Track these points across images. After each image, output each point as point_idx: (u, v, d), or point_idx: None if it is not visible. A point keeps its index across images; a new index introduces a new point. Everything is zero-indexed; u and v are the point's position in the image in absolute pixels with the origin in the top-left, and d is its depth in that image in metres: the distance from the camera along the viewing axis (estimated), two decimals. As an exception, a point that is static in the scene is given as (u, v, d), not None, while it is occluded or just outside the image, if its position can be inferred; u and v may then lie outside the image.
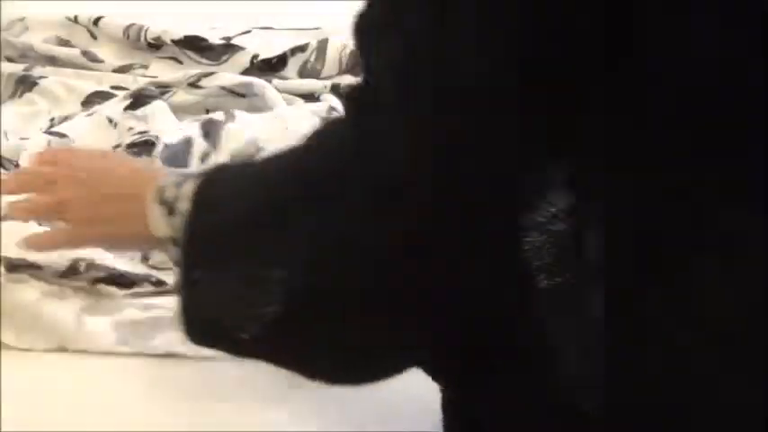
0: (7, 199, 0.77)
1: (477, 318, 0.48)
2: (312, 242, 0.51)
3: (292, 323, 0.53)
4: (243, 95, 1.07)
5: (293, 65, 1.15)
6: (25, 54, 1.20)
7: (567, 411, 0.46)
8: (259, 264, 0.54)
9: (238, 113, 1.00)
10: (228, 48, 1.17)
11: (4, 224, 0.81)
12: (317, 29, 1.23)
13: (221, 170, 0.65)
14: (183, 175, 0.65)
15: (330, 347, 0.54)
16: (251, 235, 0.55)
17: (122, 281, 0.79)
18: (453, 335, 0.50)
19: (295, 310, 0.53)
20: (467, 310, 0.48)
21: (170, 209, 0.63)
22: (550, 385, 0.47)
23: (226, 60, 1.16)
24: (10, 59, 1.19)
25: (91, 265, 0.79)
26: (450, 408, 0.56)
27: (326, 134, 0.55)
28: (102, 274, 0.79)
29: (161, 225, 0.63)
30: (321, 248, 0.51)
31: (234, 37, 1.22)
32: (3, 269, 0.79)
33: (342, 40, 1.14)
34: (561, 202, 0.44)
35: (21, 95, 1.11)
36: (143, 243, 0.69)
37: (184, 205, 0.61)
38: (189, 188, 0.62)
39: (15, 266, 0.79)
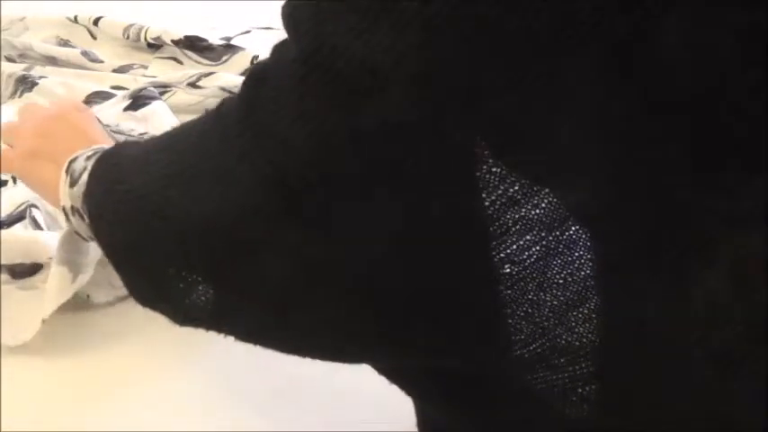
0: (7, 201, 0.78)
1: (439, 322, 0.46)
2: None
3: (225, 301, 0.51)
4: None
5: (293, 65, 1.15)
6: (25, 54, 1.20)
7: (554, 421, 0.46)
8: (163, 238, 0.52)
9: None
10: (228, 48, 1.18)
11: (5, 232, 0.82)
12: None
13: (125, 144, 0.64)
14: (100, 148, 0.64)
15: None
16: (143, 205, 0.53)
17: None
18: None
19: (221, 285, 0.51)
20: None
21: (72, 180, 0.63)
22: (535, 390, 0.46)
23: (226, 61, 1.16)
24: (10, 59, 1.19)
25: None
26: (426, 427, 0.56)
27: (220, 106, 0.52)
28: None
29: (63, 195, 0.64)
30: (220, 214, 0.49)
31: (234, 37, 1.22)
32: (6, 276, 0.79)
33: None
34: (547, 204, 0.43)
35: (21, 95, 1.11)
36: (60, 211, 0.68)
37: (85, 177, 0.61)
38: (94, 160, 0.61)
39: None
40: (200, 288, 0.51)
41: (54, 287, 0.75)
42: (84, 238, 0.67)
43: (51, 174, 0.67)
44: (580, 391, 0.45)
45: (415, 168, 0.42)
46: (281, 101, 0.45)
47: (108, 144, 0.67)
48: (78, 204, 0.63)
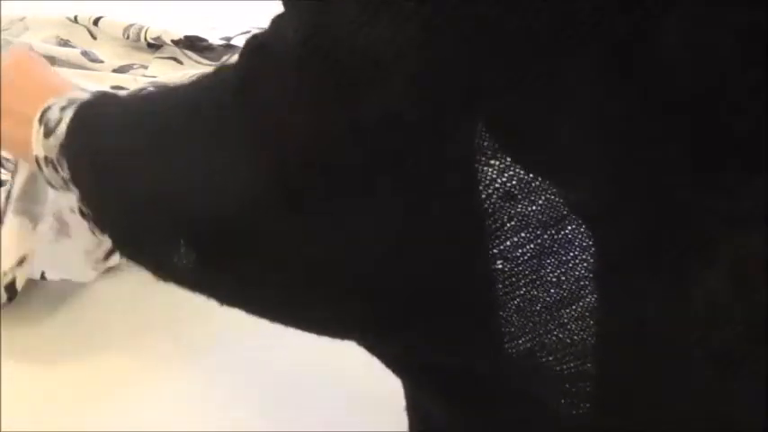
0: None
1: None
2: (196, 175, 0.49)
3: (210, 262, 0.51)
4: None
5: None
6: (25, 54, 1.20)
7: (551, 420, 0.46)
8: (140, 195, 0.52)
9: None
10: (228, 48, 1.18)
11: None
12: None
13: (105, 97, 0.62)
14: (75, 98, 0.62)
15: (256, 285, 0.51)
16: (129, 163, 0.53)
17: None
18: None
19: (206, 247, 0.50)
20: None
21: (47, 130, 0.61)
22: (532, 391, 0.46)
23: (226, 61, 1.16)
24: (10, 59, 1.19)
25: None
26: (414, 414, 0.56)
27: (217, 72, 0.52)
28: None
29: (37, 145, 0.62)
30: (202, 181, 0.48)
31: (234, 37, 1.22)
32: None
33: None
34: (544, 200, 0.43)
35: (21, 95, 1.11)
36: (30, 161, 0.65)
37: (62, 128, 0.60)
38: (71, 112, 0.60)
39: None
40: (183, 251, 0.50)
41: (14, 237, 0.75)
42: (54, 188, 0.65)
43: (16, 127, 0.65)
44: (569, 387, 0.45)
45: (415, 168, 0.42)
46: (280, 85, 0.45)
47: (72, 89, 0.66)
48: (53, 155, 0.61)
